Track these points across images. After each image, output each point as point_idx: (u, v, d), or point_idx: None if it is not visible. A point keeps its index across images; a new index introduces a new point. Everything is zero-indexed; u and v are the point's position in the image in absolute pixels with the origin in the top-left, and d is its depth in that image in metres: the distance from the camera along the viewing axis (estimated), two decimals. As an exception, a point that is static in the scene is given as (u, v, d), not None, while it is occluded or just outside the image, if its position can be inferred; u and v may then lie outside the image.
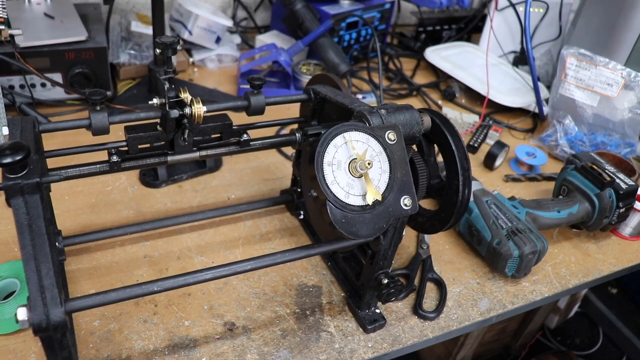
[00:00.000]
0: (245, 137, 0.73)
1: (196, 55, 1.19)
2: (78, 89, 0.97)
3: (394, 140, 0.60)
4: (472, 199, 0.85)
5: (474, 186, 0.88)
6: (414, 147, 0.74)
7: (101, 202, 0.84)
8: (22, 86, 0.95)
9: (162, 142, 0.70)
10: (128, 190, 0.87)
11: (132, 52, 1.06)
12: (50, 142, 0.89)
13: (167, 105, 0.63)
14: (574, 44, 1.12)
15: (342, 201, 0.56)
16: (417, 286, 0.78)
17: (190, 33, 1.15)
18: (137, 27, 1.11)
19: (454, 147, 0.69)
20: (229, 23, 1.16)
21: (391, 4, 1.29)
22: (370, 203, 0.57)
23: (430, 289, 0.79)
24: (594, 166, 0.90)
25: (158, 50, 0.63)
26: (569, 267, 0.87)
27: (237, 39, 1.29)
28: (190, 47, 1.20)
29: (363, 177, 0.57)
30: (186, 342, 0.67)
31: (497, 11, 1.29)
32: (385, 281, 0.66)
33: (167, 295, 0.72)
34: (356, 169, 0.56)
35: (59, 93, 0.99)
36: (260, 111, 0.71)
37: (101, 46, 0.96)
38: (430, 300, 0.77)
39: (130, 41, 1.08)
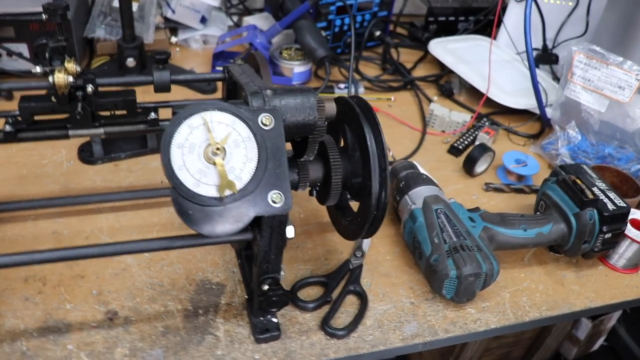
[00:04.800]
0: (152, 115, 0.68)
1: (181, 35, 1.15)
2: (42, 60, 0.96)
3: (269, 125, 0.52)
4: (420, 205, 0.75)
5: (429, 191, 0.77)
6: (331, 139, 0.65)
7: (32, 174, 0.82)
8: (-13, 55, 0.95)
9: (68, 115, 0.67)
10: (63, 164, 0.84)
11: (107, 27, 1.04)
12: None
13: (53, 74, 0.59)
14: (594, 42, 0.97)
15: (189, 190, 0.49)
16: (335, 298, 0.69)
17: (173, 11, 1.11)
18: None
19: (368, 142, 0.60)
20: (215, 3, 1.12)
21: (395, -12, 1.18)
22: (221, 195, 0.49)
23: (352, 304, 0.70)
24: (577, 180, 0.76)
25: (45, 16, 0.60)
26: (532, 297, 0.74)
27: (229, 20, 1.24)
28: (176, 27, 1.16)
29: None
30: (60, 326, 0.62)
31: (517, 2, 1.15)
32: (265, 287, 0.58)
33: (59, 275, 0.68)
34: (209, 154, 0.49)
35: (26, 64, 0.98)
36: (165, 88, 0.66)
37: (66, 18, 0.94)
38: (346, 316, 0.68)
39: (109, 16, 1.06)
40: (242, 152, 0.50)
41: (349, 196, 0.68)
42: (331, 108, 0.58)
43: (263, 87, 0.55)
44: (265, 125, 0.52)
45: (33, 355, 0.59)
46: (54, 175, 0.82)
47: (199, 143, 0.50)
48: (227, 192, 0.49)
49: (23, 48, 0.96)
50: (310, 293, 0.70)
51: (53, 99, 0.63)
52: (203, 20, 1.14)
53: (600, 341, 1.54)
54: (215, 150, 0.48)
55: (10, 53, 0.97)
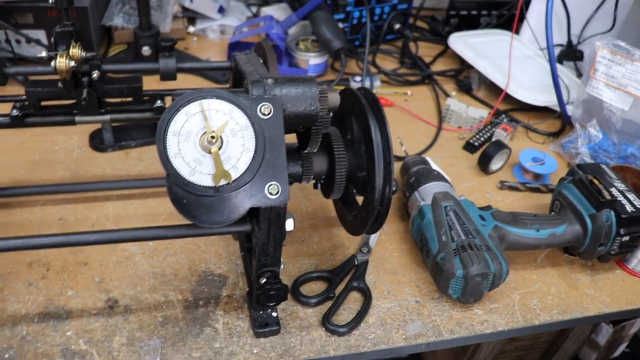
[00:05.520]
0: (159, 103, 0.67)
1: (199, 25, 1.15)
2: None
3: (268, 114, 0.51)
4: (429, 202, 0.73)
5: (439, 187, 0.75)
6: (337, 131, 0.63)
7: (43, 160, 0.83)
8: (7, 41, 0.96)
9: (74, 101, 0.67)
10: (75, 151, 0.85)
11: (125, 15, 1.04)
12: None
13: (55, 58, 0.59)
14: (620, 37, 0.93)
15: (184, 178, 0.48)
16: (338, 294, 0.68)
17: (191, 1, 1.11)
18: (139, -9, 1.09)
19: (373, 134, 0.58)
20: (232, -8, 1.11)
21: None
22: (216, 185, 0.48)
23: (355, 300, 0.68)
24: (594, 180, 0.73)
25: (52, 1, 0.60)
26: (543, 300, 0.71)
27: (248, 10, 1.23)
28: (194, 16, 1.16)
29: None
30: (60, 312, 0.63)
31: (541, -5, 1.11)
32: (263, 281, 0.57)
33: (63, 261, 0.68)
34: (205, 143, 0.48)
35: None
36: (171, 76, 0.65)
37: (82, 6, 0.95)
38: (348, 312, 0.66)
39: (127, 5, 1.06)
40: (239, 141, 0.49)
41: (354, 190, 0.67)
42: (334, 99, 0.56)
43: (265, 75, 0.54)
44: (264, 114, 0.51)
45: (32, 340, 0.59)
46: (65, 162, 0.83)
47: (195, 131, 0.49)
48: (223, 182, 0.48)
49: (41, 35, 0.97)
50: (313, 288, 0.69)
51: (59, 84, 0.63)
52: (221, 10, 1.14)
53: (622, 347, 1.48)
54: (210, 139, 0.47)
55: (29, 40, 0.98)
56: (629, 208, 0.70)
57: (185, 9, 1.13)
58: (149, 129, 0.88)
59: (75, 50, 0.59)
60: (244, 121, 0.50)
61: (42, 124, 0.66)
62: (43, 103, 0.65)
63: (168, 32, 1.07)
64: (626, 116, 0.86)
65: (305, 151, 0.61)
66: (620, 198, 0.71)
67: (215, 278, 0.69)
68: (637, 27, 0.92)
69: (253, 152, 0.50)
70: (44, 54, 0.59)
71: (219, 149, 0.48)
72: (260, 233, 0.54)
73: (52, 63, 0.57)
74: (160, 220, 0.75)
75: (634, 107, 0.84)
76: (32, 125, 0.66)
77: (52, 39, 0.59)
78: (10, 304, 0.63)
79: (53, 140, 0.86)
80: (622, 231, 0.70)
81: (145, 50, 1.00)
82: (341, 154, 0.61)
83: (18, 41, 0.97)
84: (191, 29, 1.15)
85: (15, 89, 0.92)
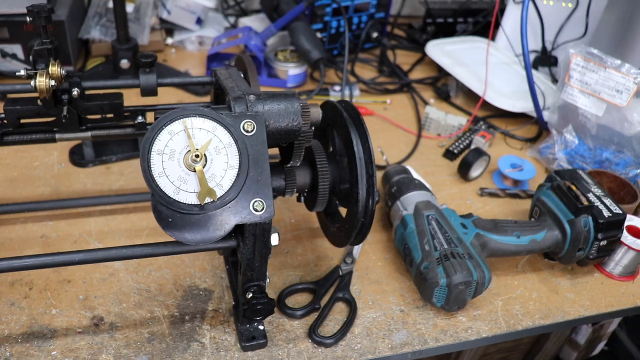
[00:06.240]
0: (140, 119, 0.67)
1: (177, 36, 1.15)
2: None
3: (251, 131, 0.51)
4: (411, 211, 0.74)
5: (421, 196, 0.76)
6: (319, 144, 0.64)
7: (23, 176, 0.82)
8: (-18, 55, 0.95)
9: (54, 118, 0.66)
10: (55, 167, 0.84)
11: (102, 28, 1.03)
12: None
13: (34, 77, 0.59)
14: (593, 43, 0.95)
15: (169, 197, 0.48)
16: (323, 306, 0.68)
17: (169, 12, 1.10)
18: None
19: (355, 148, 0.58)
20: (210, 4, 1.11)
21: (393, -11, 1.17)
22: (201, 203, 0.48)
23: (340, 311, 0.69)
24: (572, 186, 0.75)
25: (29, 19, 0.59)
26: (525, 305, 0.73)
27: (225, 21, 1.23)
28: (172, 28, 1.16)
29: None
30: (45, 331, 0.62)
31: (515, 3, 1.13)
32: (249, 295, 0.57)
33: (46, 280, 0.67)
34: (189, 161, 0.48)
35: (21, 65, 0.98)
36: (152, 92, 0.65)
37: (59, 19, 0.94)
38: (334, 323, 0.67)
39: (104, 17, 1.06)
40: (223, 159, 0.50)
41: (337, 202, 0.67)
42: (316, 113, 0.57)
43: (247, 92, 0.54)
44: (247, 131, 0.51)
45: (16, 362, 0.59)
46: (45, 178, 0.82)
47: (179, 149, 0.49)
48: (208, 200, 0.48)
49: (17, 49, 0.96)
50: (298, 300, 0.69)
51: (39, 102, 0.63)
52: (199, 21, 1.13)
53: (601, 346, 1.52)
54: (194, 158, 0.47)
55: (4, 54, 0.97)
56: (605, 213, 0.72)
57: (163, 21, 1.13)
58: (130, 143, 0.87)
59: (55, 69, 0.58)
60: (227, 139, 0.50)
61: (21, 142, 0.65)
62: (22, 120, 0.64)
63: (146, 44, 1.07)
64: (600, 122, 0.88)
65: (288, 165, 0.61)
66: (597, 203, 0.73)
67: (201, 292, 0.68)
68: (609, 34, 0.95)
69: (237, 169, 0.50)
70: (22, 72, 0.59)
71: (203, 167, 0.49)
72: (245, 249, 0.54)
73: (32, 82, 0.56)
74: (143, 235, 0.75)
75: (607, 113, 0.87)
76: (11, 144, 0.65)
77: (31, 57, 0.59)
78: (-8, 325, 0.62)
79: (32, 156, 0.85)
80: (599, 236, 0.72)
81: (124, 63, 1.00)
82: (324, 168, 0.61)
83: (-6, 56, 0.96)
84: (169, 40, 1.15)
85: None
